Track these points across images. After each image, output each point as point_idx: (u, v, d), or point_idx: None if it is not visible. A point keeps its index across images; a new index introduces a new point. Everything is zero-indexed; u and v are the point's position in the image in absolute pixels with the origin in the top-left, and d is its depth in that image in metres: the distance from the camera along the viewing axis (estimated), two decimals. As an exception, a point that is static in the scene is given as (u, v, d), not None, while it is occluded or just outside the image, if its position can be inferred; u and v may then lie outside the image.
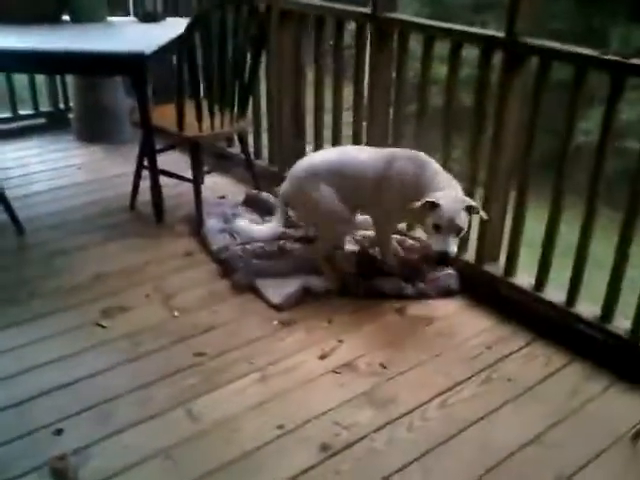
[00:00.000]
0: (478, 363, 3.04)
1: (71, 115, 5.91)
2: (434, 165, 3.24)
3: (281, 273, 3.65)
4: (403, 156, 3.38)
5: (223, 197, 4.69)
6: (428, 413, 2.71)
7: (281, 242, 3.80)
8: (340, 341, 3.16)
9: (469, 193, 3.40)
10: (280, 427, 2.61)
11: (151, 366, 2.97)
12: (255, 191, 4.55)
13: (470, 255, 3.62)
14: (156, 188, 4.30)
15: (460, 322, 3.35)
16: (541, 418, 2.68)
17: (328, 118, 4.30)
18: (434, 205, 3.11)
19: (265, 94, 4.78)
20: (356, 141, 4.11)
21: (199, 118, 4.01)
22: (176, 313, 3.38)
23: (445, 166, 3.40)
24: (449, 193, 3.14)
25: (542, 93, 3.06)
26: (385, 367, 2.99)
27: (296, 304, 3.45)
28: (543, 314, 3.28)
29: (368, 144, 3.92)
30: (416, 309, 3.44)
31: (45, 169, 5.17)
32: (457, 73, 3.42)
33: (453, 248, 3.14)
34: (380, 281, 3.56)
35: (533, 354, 3.12)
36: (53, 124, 5.93)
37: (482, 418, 2.70)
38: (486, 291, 3.51)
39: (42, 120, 5.96)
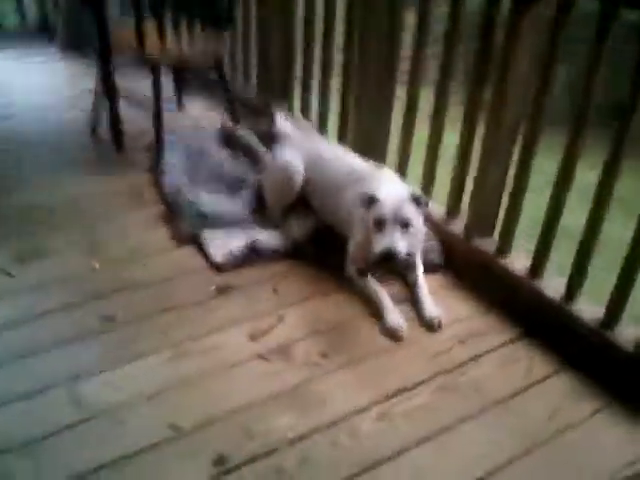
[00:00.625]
0: (443, 362, 2.47)
1: (58, 28, 5.45)
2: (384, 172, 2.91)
3: (231, 223, 3.10)
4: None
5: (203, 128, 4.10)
6: (362, 425, 2.17)
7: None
8: (280, 318, 2.62)
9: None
10: (172, 427, 2.11)
11: (46, 330, 2.49)
12: (231, 124, 3.95)
13: (459, 227, 2.99)
14: (113, 111, 3.75)
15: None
16: (507, 445, 2.12)
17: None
18: (373, 200, 2.60)
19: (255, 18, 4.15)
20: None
21: (161, 36, 3.41)
22: (97, 265, 2.87)
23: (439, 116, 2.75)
24: (389, 185, 2.70)
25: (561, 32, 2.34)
26: (325, 356, 2.45)
27: (241, 264, 2.91)
28: (535, 306, 2.66)
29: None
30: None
31: (22, 81, 4.75)
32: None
33: (400, 244, 2.55)
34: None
35: (514, 356, 2.52)
36: (39, 35, 5.51)
37: (429, 439, 2.14)
38: (473, 271, 2.90)
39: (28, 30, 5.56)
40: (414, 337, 2.58)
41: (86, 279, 2.79)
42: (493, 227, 2.92)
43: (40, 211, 3.22)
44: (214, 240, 3.01)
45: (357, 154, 3.14)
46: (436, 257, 2.99)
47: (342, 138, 3.62)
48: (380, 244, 2.53)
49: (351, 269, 2.82)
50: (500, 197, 2.85)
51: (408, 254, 2.61)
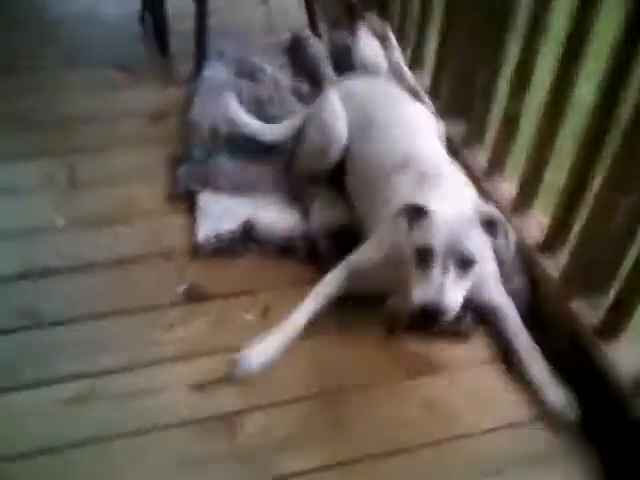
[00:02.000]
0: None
1: None
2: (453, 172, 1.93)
3: (243, 187, 2.27)
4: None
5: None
6: None
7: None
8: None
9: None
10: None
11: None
12: (306, 33, 2.98)
13: (556, 266, 1.93)
14: (158, 9, 2.90)
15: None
16: None
17: None
18: (419, 212, 1.61)
19: None
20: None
21: None
22: (61, 221, 2.20)
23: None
24: (451, 194, 1.73)
25: None
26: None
27: (228, 251, 2.11)
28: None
29: None
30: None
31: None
32: None
33: (451, 295, 1.58)
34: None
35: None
36: None
37: None
38: (564, 356, 1.87)
39: None
40: None
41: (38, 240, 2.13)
42: (607, 285, 1.83)
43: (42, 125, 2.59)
44: (210, 208, 2.21)
45: (442, 121, 2.20)
46: (516, 304, 1.96)
47: (435, 85, 2.54)
48: (418, 291, 1.60)
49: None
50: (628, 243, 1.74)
51: (464, 313, 1.65)
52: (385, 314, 1.63)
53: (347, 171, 2.17)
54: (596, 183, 1.77)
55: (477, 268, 1.64)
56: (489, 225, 1.65)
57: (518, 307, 1.93)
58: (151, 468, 1.59)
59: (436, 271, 1.58)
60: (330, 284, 1.88)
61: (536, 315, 1.94)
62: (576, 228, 1.89)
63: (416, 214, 1.65)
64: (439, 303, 1.56)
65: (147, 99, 2.77)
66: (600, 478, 1.61)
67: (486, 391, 1.79)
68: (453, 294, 1.58)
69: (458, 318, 1.69)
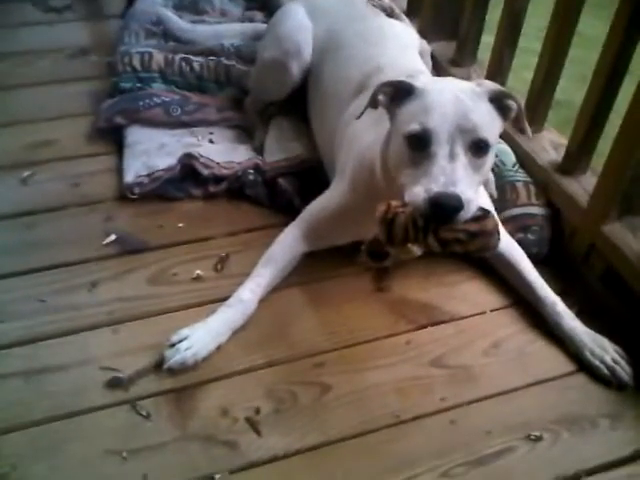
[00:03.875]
0: None
1: None
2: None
3: (182, 119, 1.84)
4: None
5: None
6: None
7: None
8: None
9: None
10: None
11: None
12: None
13: (584, 189, 1.55)
14: None
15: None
16: None
17: None
18: (407, 90, 1.19)
19: None
20: None
21: None
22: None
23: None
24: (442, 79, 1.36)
25: None
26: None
27: (164, 193, 1.68)
28: None
29: None
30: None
31: None
32: None
33: (466, 185, 1.12)
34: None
35: None
36: None
37: None
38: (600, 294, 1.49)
39: None
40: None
41: None
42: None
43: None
44: (140, 144, 1.76)
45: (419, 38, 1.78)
46: (535, 239, 1.55)
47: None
48: (419, 187, 1.13)
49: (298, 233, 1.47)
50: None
51: (482, 209, 1.19)
52: (379, 221, 1.16)
53: (309, 100, 1.75)
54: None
55: (492, 156, 1.21)
56: (499, 100, 1.23)
57: (539, 242, 1.54)
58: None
59: (441, 159, 1.13)
60: (286, 246, 1.45)
61: (560, 252, 1.55)
62: (602, 145, 1.51)
63: (403, 88, 1.21)
64: (453, 191, 1.10)
65: (67, 36, 2.30)
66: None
67: (504, 343, 1.39)
68: (468, 185, 1.13)
69: (478, 216, 1.16)
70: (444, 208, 1.10)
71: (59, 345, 1.33)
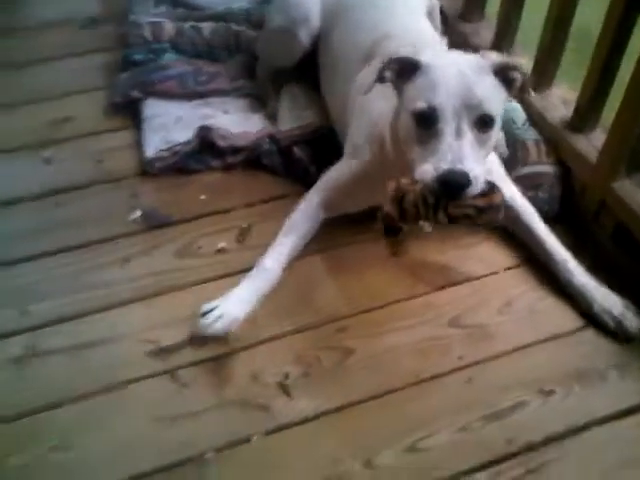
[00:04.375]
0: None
1: None
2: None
3: (196, 90, 1.88)
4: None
5: None
6: None
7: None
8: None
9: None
10: None
11: None
12: None
13: (594, 146, 1.58)
14: None
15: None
16: None
17: None
18: (413, 66, 1.22)
19: None
20: None
21: None
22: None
23: None
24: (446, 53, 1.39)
25: None
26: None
27: (185, 168, 1.73)
28: None
29: None
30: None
31: None
32: None
33: (473, 161, 1.17)
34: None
35: None
36: None
37: None
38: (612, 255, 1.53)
39: None
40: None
41: None
42: None
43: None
44: (158, 118, 1.80)
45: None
46: (546, 197, 1.60)
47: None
48: (428, 164, 1.18)
49: (313, 203, 1.51)
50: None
51: (489, 183, 1.24)
52: (386, 209, 1.23)
53: (320, 66, 1.77)
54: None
55: (497, 129, 1.25)
56: (505, 72, 1.26)
57: (550, 200, 1.59)
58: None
59: (448, 136, 1.17)
60: (305, 214, 1.50)
61: (571, 209, 1.60)
62: (614, 95, 1.52)
63: (407, 64, 1.24)
64: (461, 168, 1.14)
65: (75, 6, 2.30)
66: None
67: (517, 301, 1.46)
68: (475, 161, 1.17)
69: (485, 191, 1.22)
70: (453, 185, 1.15)
71: (97, 321, 1.41)
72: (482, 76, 1.21)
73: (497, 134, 1.27)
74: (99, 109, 1.90)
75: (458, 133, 1.17)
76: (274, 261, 1.44)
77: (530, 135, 1.66)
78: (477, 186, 1.17)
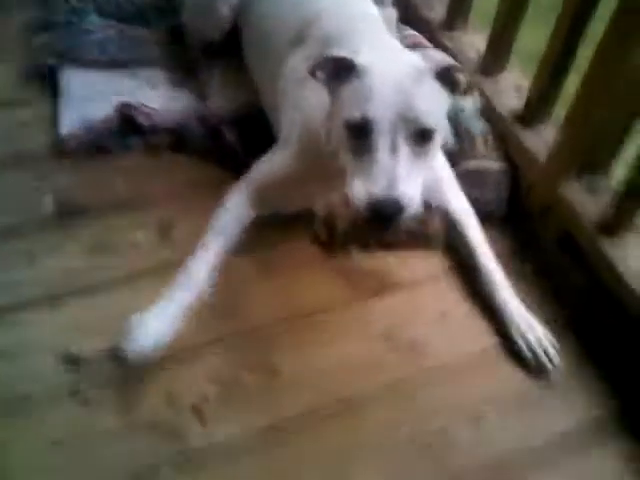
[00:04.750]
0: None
1: None
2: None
3: (119, 59, 1.70)
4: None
5: None
6: None
7: None
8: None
9: None
10: None
11: None
12: None
13: (543, 142, 1.48)
14: None
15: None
16: None
17: None
18: (349, 68, 1.09)
19: None
20: None
21: None
22: None
23: None
24: (383, 48, 1.25)
25: None
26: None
27: (103, 146, 1.57)
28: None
29: None
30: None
31: None
32: None
33: (409, 184, 1.07)
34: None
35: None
36: None
37: None
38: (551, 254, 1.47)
39: None
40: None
41: None
42: (608, 163, 1.41)
43: None
44: (75, 90, 1.63)
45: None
46: (492, 198, 1.51)
47: None
48: (360, 186, 1.08)
49: (238, 202, 1.39)
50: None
51: (427, 205, 1.17)
52: (317, 228, 1.13)
53: (243, 43, 1.62)
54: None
55: (438, 139, 1.14)
56: (443, 75, 1.13)
57: (497, 200, 1.50)
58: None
59: (382, 152, 1.06)
60: (233, 214, 1.37)
61: (517, 209, 1.51)
62: (567, 90, 1.43)
63: (343, 66, 1.11)
64: (393, 196, 1.04)
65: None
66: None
67: (453, 311, 1.38)
68: (410, 182, 1.07)
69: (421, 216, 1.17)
70: (384, 214, 1.04)
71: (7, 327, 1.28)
72: (422, 83, 1.08)
73: (439, 143, 1.15)
74: (9, 78, 1.70)
75: (393, 148, 1.06)
76: (199, 268, 1.31)
77: (478, 126, 1.56)
78: (411, 211, 1.06)
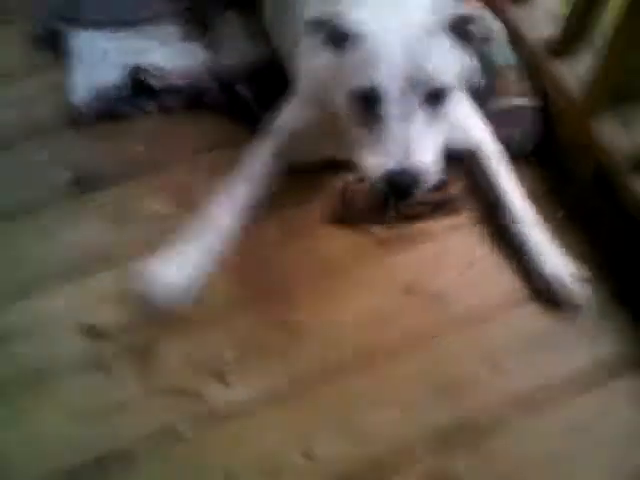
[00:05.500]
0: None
1: None
2: None
3: (126, 17, 1.63)
4: None
5: None
6: None
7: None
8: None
9: None
10: None
11: None
12: None
13: (577, 74, 1.37)
14: None
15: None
16: None
17: None
18: (346, 36, 1.00)
19: None
20: None
21: None
22: None
23: None
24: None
25: None
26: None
27: (117, 112, 1.52)
28: None
29: None
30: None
31: None
32: None
33: (425, 151, 1.00)
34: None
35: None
36: None
37: None
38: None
39: None
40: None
41: None
42: None
43: None
44: (85, 54, 1.57)
45: None
46: (521, 137, 1.40)
47: None
48: (373, 159, 1.01)
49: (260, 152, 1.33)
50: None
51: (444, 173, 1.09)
52: (337, 200, 1.08)
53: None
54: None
55: (454, 97, 1.06)
56: (461, 26, 1.04)
57: (526, 138, 1.39)
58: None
59: (393, 121, 0.99)
60: (260, 159, 1.30)
61: (550, 147, 1.41)
62: (606, 16, 1.29)
63: (338, 33, 1.02)
64: (409, 167, 0.97)
65: None
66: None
67: (477, 263, 1.31)
68: (427, 149, 1.00)
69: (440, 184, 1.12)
70: (401, 186, 0.97)
71: (18, 305, 1.27)
72: (433, 41, 1.00)
73: (455, 99, 1.06)
74: (18, 46, 1.65)
75: (405, 115, 0.98)
76: (226, 212, 1.25)
77: (508, 59, 1.44)
78: (429, 179, 0.99)
